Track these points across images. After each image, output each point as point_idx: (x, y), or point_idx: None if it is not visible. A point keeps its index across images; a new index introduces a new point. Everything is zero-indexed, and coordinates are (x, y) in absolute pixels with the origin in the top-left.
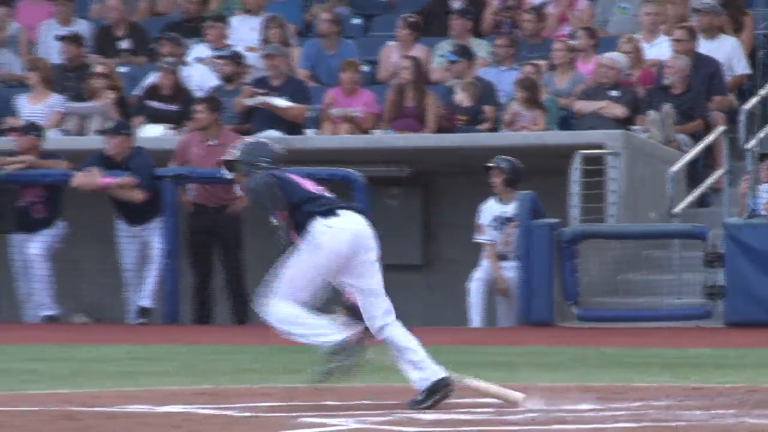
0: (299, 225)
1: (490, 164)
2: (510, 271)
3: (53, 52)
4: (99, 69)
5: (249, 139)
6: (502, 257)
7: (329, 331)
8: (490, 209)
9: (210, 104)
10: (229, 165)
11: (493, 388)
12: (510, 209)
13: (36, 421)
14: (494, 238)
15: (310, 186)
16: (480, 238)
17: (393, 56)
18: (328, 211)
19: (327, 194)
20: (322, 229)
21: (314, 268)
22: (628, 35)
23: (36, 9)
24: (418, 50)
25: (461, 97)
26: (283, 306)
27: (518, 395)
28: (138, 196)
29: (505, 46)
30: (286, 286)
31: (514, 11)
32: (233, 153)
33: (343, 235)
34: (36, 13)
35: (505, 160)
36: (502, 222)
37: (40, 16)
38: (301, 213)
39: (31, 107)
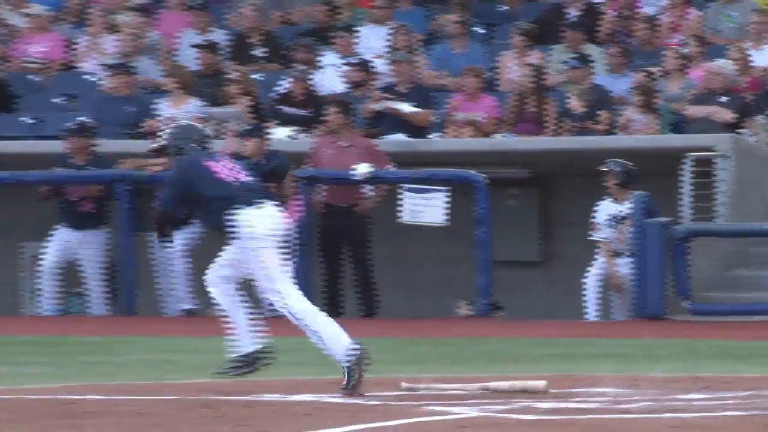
0: (212, 218)
1: (605, 168)
2: (624, 267)
3: (191, 60)
4: (233, 76)
5: (183, 121)
6: (616, 254)
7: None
8: (606, 208)
9: (341, 107)
10: (159, 149)
11: (517, 383)
12: (624, 209)
13: (175, 409)
14: (609, 236)
15: (227, 175)
16: (596, 235)
17: (510, 63)
18: (246, 203)
19: (244, 182)
20: (248, 219)
21: (271, 255)
22: (736, 43)
23: (176, 18)
24: (534, 57)
25: (575, 104)
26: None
27: (540, 383)
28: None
29: (617, 55)
30: (275, 280)
31: (629, 20)
32: (163, 137)
33: (267, 221)
34: (176, 23)
35: (618, 163)
36: (617, 221)
37: (179, 25)
38: (214, 206)
39: (171, 111)
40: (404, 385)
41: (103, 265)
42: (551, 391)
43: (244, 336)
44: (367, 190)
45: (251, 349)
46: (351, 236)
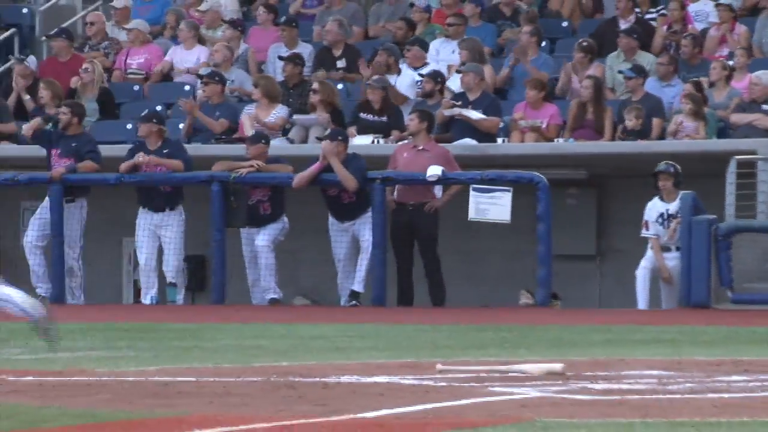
0: None
1: (660, 169)
2: (672, 260)
3: (278, 71)
4: (316, 86)
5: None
6: (665, 249)
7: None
8: (655, 207)
9: (421, 115)
10: None
11: (539, 366)
12: (673, 207)
13: (261, 389)
14: (658, 232)
15: None
16: (646, 233)
17: (572, 76)
18: None
19: None
20: None
21: None
22: None
23: (266, 33)
24: (594, 69)
25: (630, 122)
26: None
27: (558, 366)
28: (352, 183)
29: (666, 63)
30: None
31: (679, 35)
32: None
33: None
34: (266, 37)
35: (671, 165)
36: (666, 218)
37: (269, 39)
38: None
39: (259, 117)
40: (439, 367)
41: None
42: (603, 373)
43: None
44: (437, 191)
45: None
46: (419, 232)
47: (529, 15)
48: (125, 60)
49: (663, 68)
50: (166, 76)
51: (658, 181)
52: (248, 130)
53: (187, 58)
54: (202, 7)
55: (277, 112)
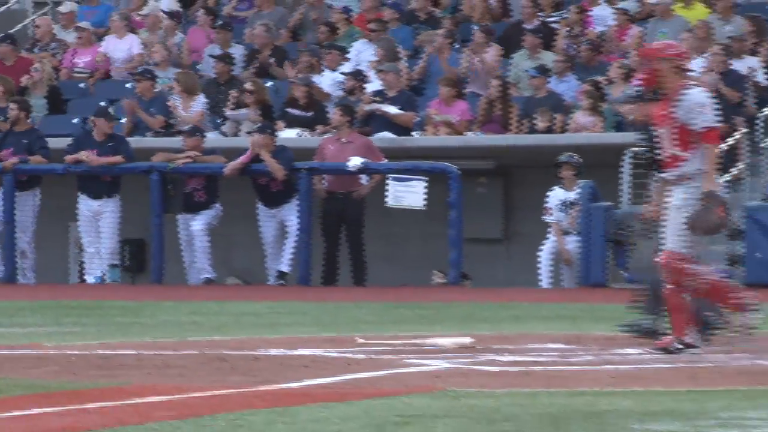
0: None
1: (562, 160)
2: (572, 244)
3: (210, 69)
4: (249, 86)
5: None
6: (565, 233)
7: None
8: (557, 195)
9: (343, 109)
10: None
11: (450, 340)
12: (573, 195)
13: (196, 362)
14: (560, 218)
15: None
16: (548, 218)
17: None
18: None
19: None
20: None
21: None
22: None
23: (203, 34)
24: (492, 51)
25: (541, 124)
26: None
27: (467, 339)
28: (280, 173)
29: (562, 61)
30: None
31: (579, 38)
32: None
33: None
34: (203, 38)
35: (573, 156)
36: (567, 205)
37: (206, 41)
38: None
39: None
40: (359, 341)
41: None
42: (510, 346)
43: None
44: (363, 180)
45: None
46: (347, 218)
47: (450, 20)
48: (72, 59)
49: (559, 65)
50: (108, 73)
51: (560, 170)
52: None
53: (119, 47)
54: (144, 11)
55: (195, 106)
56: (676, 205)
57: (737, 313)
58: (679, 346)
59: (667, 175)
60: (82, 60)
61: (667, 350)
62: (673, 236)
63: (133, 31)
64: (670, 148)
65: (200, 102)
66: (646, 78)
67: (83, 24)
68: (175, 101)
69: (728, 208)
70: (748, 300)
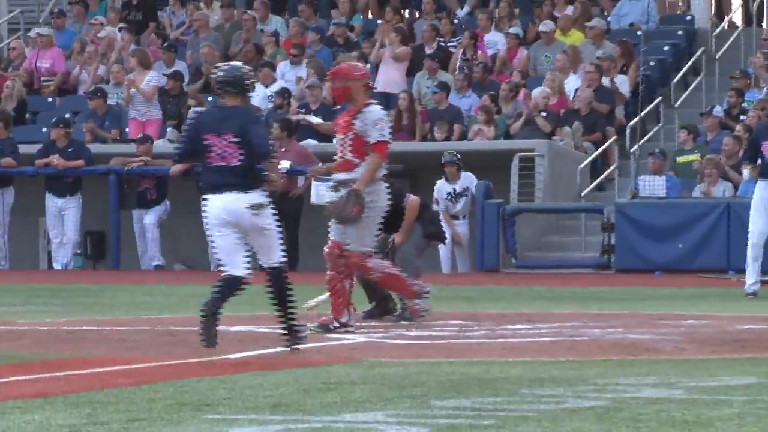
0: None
1: (446, 160)
2: (461, 227)
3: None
4: (191, 100)
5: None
6: (455, 218)
7: None
8: (444, 187)
9: (282, 124)
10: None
11: (320, 298)
12: (458, 186)
13: (149, 337)
14: (448, 206)
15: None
16: (437, 207)
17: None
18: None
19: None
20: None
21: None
22: (551, 75)
23: (153, 53)
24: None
25: (439, 135)
26: None
27: (324, 296)
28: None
29: (461, 80)
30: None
31: (471, 60)
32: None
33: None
34: (153, 55)
35: (454, 155)
36: (453, 195)
37: (155, 57)
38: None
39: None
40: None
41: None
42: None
43: None
44: (300, 181)
45: None
46: (285, 213)
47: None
48: (35, 62)
49: (459, 83)
50: (72, 89)
51: (445, 168)
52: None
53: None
54: (101, 34)
55: (150, 80)
56: None
57: (413, 299)
58: (336, 324)
59: (339, 176)
60: (44, 64)
61: (326, 328)
62: (352, 233)
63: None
64: (346, 153)
65: (153, 77)
66: (338, 94)
67: (42, 30)
68: (133, 76)
69: (363, 209)
70: (421, 288)
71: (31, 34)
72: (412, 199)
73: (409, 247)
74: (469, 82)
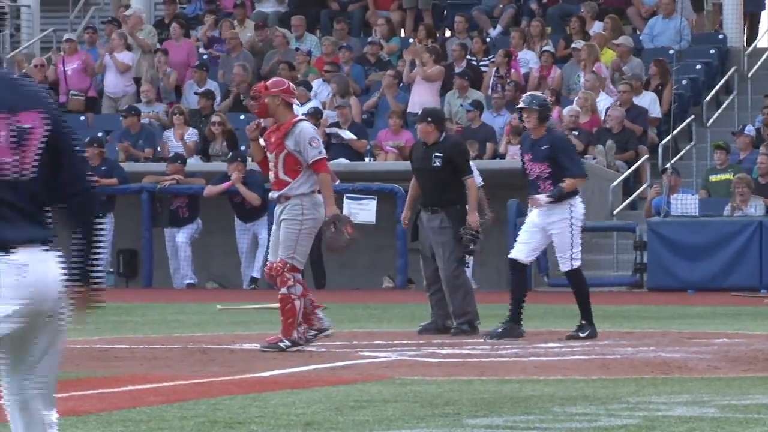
0: None
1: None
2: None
3: (193, 102)
4: (214, 118)
5: None
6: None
7: None
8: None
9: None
10: None
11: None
12: None
13: (180, 354)
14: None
15: None
16: None
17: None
18: None
19: None
20: None
21: None
22: (584, 93)
23: (179, 48)
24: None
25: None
26: None
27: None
28: (256, 201)
29: (498, 98)
30: None
31: (504, 78)
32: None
33: None
34: (180, 51)
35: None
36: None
37: (183, 53)
38: None
39: (176, 140)
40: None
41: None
42: (448, 340)
43: None
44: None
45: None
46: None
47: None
48: (63, 67)
49: (495, 101)
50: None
51: None
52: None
53: (119, 61)
54: (128, 12)
55: (190, 137)
56: (284, 219)
57: (285, 336)
58: (288, 343)
59: (272, 194)
60: (71, 67)
61: (276, 346)
62: (283, 247)
63: (128, 47)
64: (279, 173)
65: (193, 134)
66: (258, 110)
67: (69, 35)
68: (168, 137)
69: (353, 224)
70: (301, 337)
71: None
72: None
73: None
74: (504, 99)
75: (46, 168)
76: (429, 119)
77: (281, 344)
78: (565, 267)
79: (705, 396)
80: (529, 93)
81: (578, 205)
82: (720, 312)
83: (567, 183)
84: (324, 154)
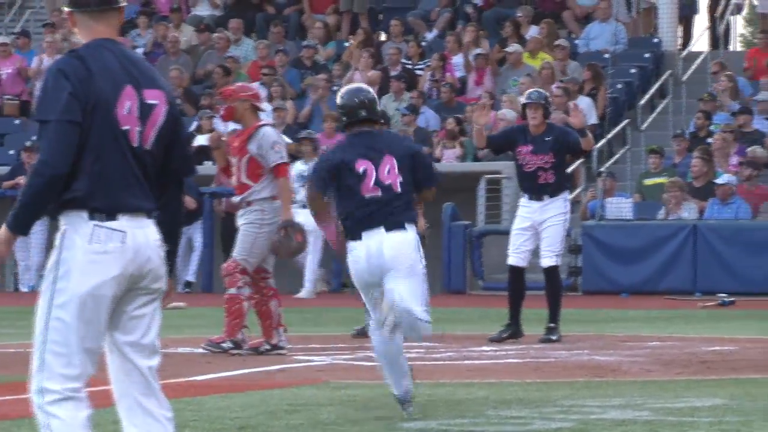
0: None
1: (302, 135)
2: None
3: None
4: None
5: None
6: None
7: None
8: (296, 168)
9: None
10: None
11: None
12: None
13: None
14: (297, 190)
15: None
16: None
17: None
18: None
19: None
20: None
21: None
22: (510, 96)
23: None
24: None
25: None
26: None
27: (182, 303)
28: (192, 204)
29: (416, 98)
30: None
31: (439, 82)
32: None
33: None
34: None
35: (311, 132)
36: (303, 178)
37: None
38: None
39: None
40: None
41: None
42: None
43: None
44: None
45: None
46: None
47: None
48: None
49: (415, 101)
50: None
51: (301, 145)
52: None
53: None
54: (64, 15)
55: None
56: (243, 224)
57: (227, 337)
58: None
59: (235, 199)
60: (5, 71)
61: (219, 346)
62: (238, 249)
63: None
64: (242, 177)
65: None
66: (225, 114)
67: (4, 39)
68: None
69: (304, 233)
70: (242, 339)
71: None
72: None
73: None
74: (423, 99)
75: (161, 145)
76: (381, 121)
77: (224, 345)
78: (550, 262)
79: (638, 399)
80: (534, 89)
81: (569, 203)
82: (654, 315)
83: (588, 140)
84: (285, 159)
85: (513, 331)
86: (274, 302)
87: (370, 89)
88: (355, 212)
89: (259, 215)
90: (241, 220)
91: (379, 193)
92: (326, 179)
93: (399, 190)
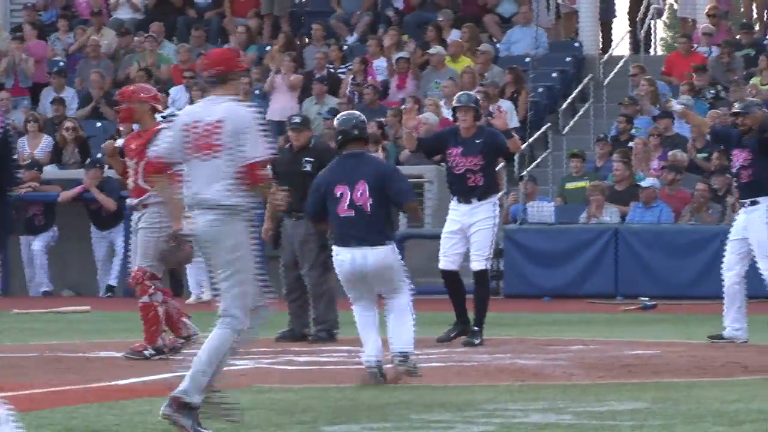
0: None
1: None
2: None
3: (49, 110)
4: (68, 124)
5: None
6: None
7: None
8: None
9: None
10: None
11: (70, 308)
12: None
13: (36, 363)
14: None
15: None
16: None
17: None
18: None
19: None
20: None
21: None
22: (433, 100)
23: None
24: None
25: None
26: None
27: (86, 307)
28: (111, 205)
29: (345, 103)
30: None
31: (362, 86)
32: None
33: None
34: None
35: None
36: None
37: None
38: None
39: (30, 149)
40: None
41: None
42: (306, 348)
43: None
44: None
45: None
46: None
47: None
48: None
49: (344, 107)
50: None
51: None
52: None
53: None
54: None
55: (45, 146)
56: (142, 227)
57: (148, 344)
58: (152, 352)
59: (130, 201)
60: None
61: (141, 354)
62: (141, 255)
63: None
64: (139, 180)
65: (48, 141)
66: (123, 116)
67: None
68: (23, 143)
69: (191, 243)
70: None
71: None
72: None
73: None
74: (350, 106)
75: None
76: (303, 124)
77: (146, 352)
78: (480, 266)
79: (561, 403)
80: (463, 92)
81: (498, 207)
82: (576, 319)
83: (514, 141)
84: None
85: (460, 330)
86: (164, 308)
87: (362, 114)
88: (335, 228)
89: (156, 218)
90: (139, 224)
91: (353, 214)
92: (319, 200)
93: (369, 211)
